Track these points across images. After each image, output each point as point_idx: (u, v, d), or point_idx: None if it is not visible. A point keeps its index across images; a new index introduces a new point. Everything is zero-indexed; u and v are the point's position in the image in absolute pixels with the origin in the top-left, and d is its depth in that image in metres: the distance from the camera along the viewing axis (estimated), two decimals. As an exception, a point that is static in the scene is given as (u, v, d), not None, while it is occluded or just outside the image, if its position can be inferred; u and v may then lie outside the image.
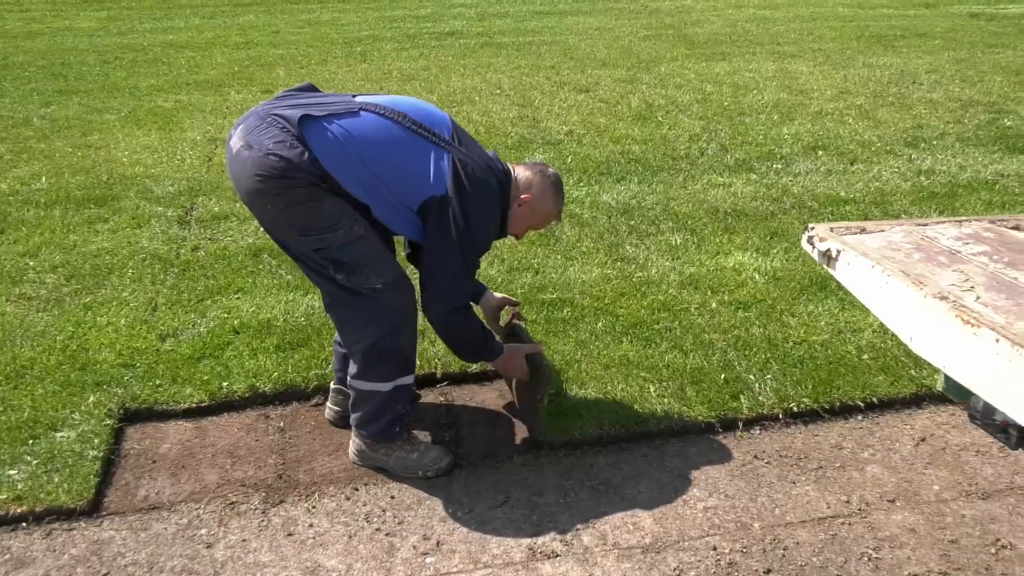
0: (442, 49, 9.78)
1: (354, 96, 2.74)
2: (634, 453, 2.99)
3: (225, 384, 3.28)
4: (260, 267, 4.30)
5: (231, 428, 3.12)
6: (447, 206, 2.60)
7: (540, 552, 2.52)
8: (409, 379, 2.82)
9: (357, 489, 2.80)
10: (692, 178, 5.59)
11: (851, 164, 5.92)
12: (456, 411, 3.23)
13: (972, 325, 1.75)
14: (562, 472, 2.88)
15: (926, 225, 2.33)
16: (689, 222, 4.87)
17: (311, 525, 2.63)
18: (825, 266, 2.22)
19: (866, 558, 2.51)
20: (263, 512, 2.69)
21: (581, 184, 5.47)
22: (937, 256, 2.14)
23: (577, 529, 2.62)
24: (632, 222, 4.87)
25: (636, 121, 6.86)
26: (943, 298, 1.86)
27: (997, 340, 1.70)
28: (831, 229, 2.26)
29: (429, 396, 3.32)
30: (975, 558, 2.52)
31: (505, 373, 3.08)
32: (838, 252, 2.16)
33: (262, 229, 3.03)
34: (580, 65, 8.83)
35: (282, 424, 3.14)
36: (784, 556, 2.52)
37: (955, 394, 2.13)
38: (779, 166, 5.83)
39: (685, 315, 3.83)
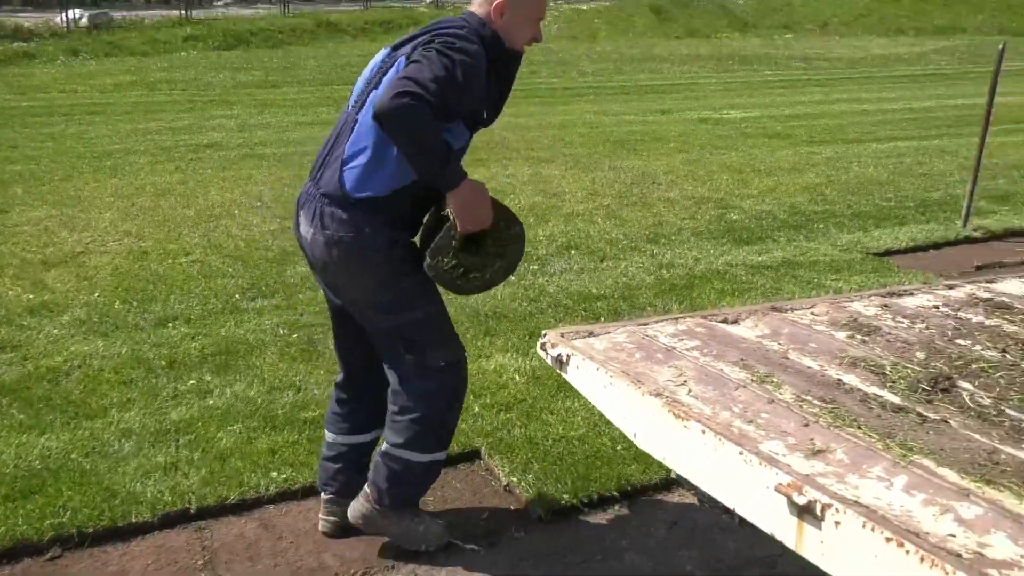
0: (200, 162, 9.55)
1: (352, 104, 2.82)
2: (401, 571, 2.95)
3: (-60, 547, 2.92)
4: (-12, 408, 3.91)
5: (-53, 597, 2.78)
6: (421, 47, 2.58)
7: None
8: (443, 455, 2.99)
9: (98, 648, 2.56)
10: (454, 283, 5.73)
11: (601, 261, 6.31)
12: (213, 548, 3.06)
13: (682, 419, 1.91)
14: (326, 600, 2.79)
15: (647, 324, 2.52)
16: (452, 327, 4.96)
17: None
18: (558, 370, 2.34)
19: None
20: None
21: (345, 295, 5.46)
22: (656, 354, 2.31)
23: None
24: (396, 330, 4.90)
25: (399, 229, 6.97)
26: (658, 395, 2.02)
27: (703, 431, 1.85)
28: (562, 335, 2.40)
29: (182, 534, 3.12)
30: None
31: (465, 209, 2.59)
32: (568, 357, 2.29)
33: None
34: (343, 175, 8.92)
35: (10, 585, 2.83)
36: (550, 657, 2.55)
37: (684, 479, 2.28)
38: (535, 267, 6.11)
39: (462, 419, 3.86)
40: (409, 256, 2.76)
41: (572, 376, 2.28)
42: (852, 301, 2.86)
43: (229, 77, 17.53)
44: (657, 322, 2.54)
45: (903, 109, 15.04)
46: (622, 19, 29.62)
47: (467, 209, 2.58)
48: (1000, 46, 7.40)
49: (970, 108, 13.89)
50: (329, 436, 3.13)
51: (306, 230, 2.76)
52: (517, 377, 4.32)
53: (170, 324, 4.96)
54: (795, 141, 11.69)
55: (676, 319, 2.58)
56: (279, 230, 6.83)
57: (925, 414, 2.01)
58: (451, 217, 2.58)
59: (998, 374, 2.28)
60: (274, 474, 3.44)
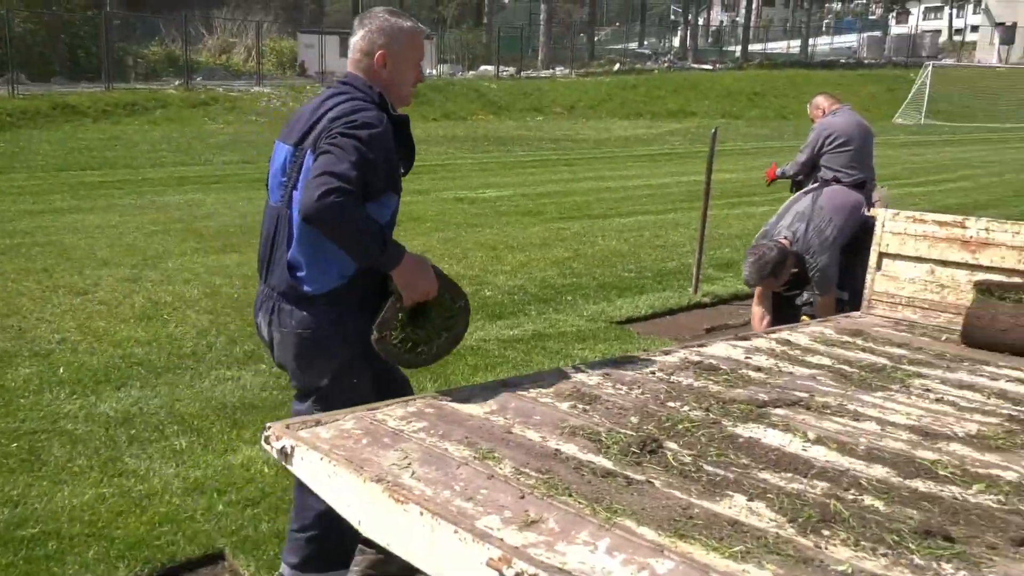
0: (-96, 258, 8.57)
1: (278, 199, 2.81)
2: None
3: None
4: None
5: None
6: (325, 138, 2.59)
7: None
8: (345, 572, 2.91)
9: None
10: (199, 375, 5.47)
11: (356, 344, 6.27)
12: None
13: (401, 502, 1.91)
14: None
15: (376, 409, 2.52)
16: (196, 422, 4.72)
17: None
18: (284, 463, 2.28)
19: None
20: None
21: (75, 396, 5.04)
22: (383, 438, 2.31)
23: None
24: (133, 431, 4.59)
25: (140, 321, 6.59)
26: (379, 480, 2.01)
27: (421, 513, 1.86)
28: (287, 426, 2.34)
29: None
30: None
31: (409, 284, 2.65)
32: (292, 448, 2.23)
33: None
34: (78, 266, 8.32)
35: None
36: None
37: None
38: (287, 353, 5.96)
39: (190, 524, 3.65)
40: (366, 354, 2.75)
41: (298, 469, 2.22)
42: (577, 372, 3.01)
43: (-54, 163, 15.96)
44: (387, 406, 2.55)
45: (642, 186, 16.30)
46: (381, 102, 30.13)
47: (411, 283, 2.66)
48: (713, 130, 8.26)
49: (700, 184, 15.26)
50: None
51: (266, 331, 2.85)
52: (266, 469, 4.15)
53: None
54: (546, 218, 12.30)
55: (406, 402, 2.60)
56: (-1, 329, 6.23)
57: (632, 476, 2.13)
58: (395, 290, 2.65)
59: (700, 432, 2.47)
60: (-19, 605, 3.07)
